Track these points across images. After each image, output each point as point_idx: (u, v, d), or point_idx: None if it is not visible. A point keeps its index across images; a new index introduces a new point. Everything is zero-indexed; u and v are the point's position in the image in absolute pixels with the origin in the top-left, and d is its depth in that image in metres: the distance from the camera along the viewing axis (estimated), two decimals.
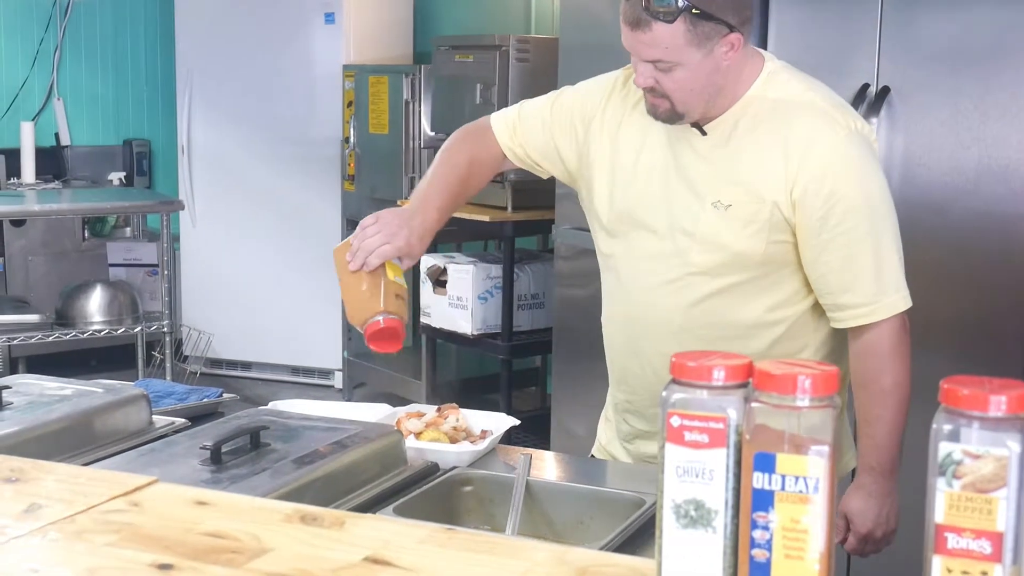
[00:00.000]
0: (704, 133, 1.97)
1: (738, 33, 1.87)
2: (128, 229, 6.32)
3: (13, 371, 5.40)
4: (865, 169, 1.92)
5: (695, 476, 1.06)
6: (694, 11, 1.82)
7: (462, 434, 2.04)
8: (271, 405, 2.16)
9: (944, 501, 0.98)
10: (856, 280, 1.92)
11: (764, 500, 1.03)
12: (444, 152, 2.16)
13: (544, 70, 4.57)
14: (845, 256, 1.90)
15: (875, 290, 1.92)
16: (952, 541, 0.98)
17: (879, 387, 1.95)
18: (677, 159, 1.99)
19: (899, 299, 1.93)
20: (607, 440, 2.25)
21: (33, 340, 4.98)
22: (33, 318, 5.02)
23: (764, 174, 1.91)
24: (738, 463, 1.05)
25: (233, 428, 1.79)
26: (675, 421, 1.06)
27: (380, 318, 1.91)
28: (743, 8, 1.89)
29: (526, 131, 2.15)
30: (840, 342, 2.01)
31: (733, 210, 1.92)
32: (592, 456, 2.27)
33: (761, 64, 1.99)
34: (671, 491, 1.07)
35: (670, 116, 1.93)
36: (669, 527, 1.07)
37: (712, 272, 1.96)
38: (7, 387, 1.99)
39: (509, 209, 4.65)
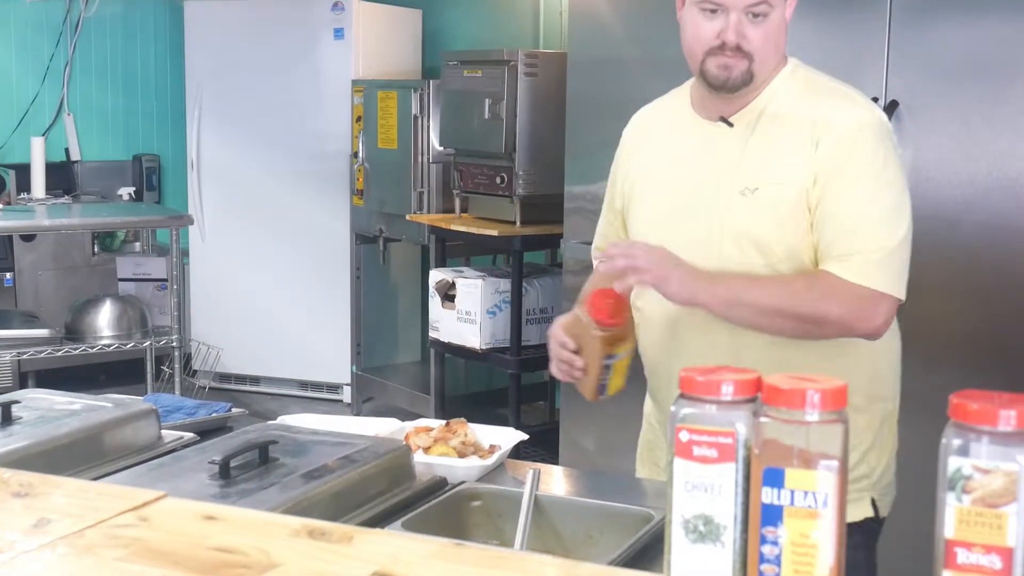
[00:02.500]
0: (731, 125, 1.99)
1: None
2: (137, 244, 6.34)
3: (23, 386, 5.41)
4: (882, 142, 1.93)
5: (704, 491, 1.06)
6: None
7: (471, 449, 2.04)
8: (280, 420, 2.16)
9: (954, 516, 0.98)
10: (853, 229, 1.89)
11: (773, 515, 1.03)
12: None
13: (553, 85, 4.57)
14: (850, 199, 1.90)
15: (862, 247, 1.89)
16: (962, 556, 0.98)
17: (819, 288, 1.89)
18: (707, 156, 2.01)
19: (883, 278, 1.88)
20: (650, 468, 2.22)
21: (42, 355, 4.98)
22: (42, 333, 5.03)
23: (790, 157, 1.93)
24: (747, 478, 1.05)
25: (242, 443, 1.79)
26: (684, 436, 1.07)
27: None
28: None
29: (610, 233, 2.24)
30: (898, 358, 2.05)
31: (760, 194, 1.93)
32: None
33: (786, 58, 2.04)
34: (680, 506, 1.08)
35: (744, 77, 1.94)
36: (678, 542, 1.08)
37: (745, 264, 1.95)
38: (16, 402, 1.99)
39: (518, 223, 4.65)
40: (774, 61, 1.97)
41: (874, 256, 1.88)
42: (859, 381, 1.85)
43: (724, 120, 2.00)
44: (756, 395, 1.07)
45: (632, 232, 2.14)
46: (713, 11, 1.93)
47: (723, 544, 1.06)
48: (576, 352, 2.02)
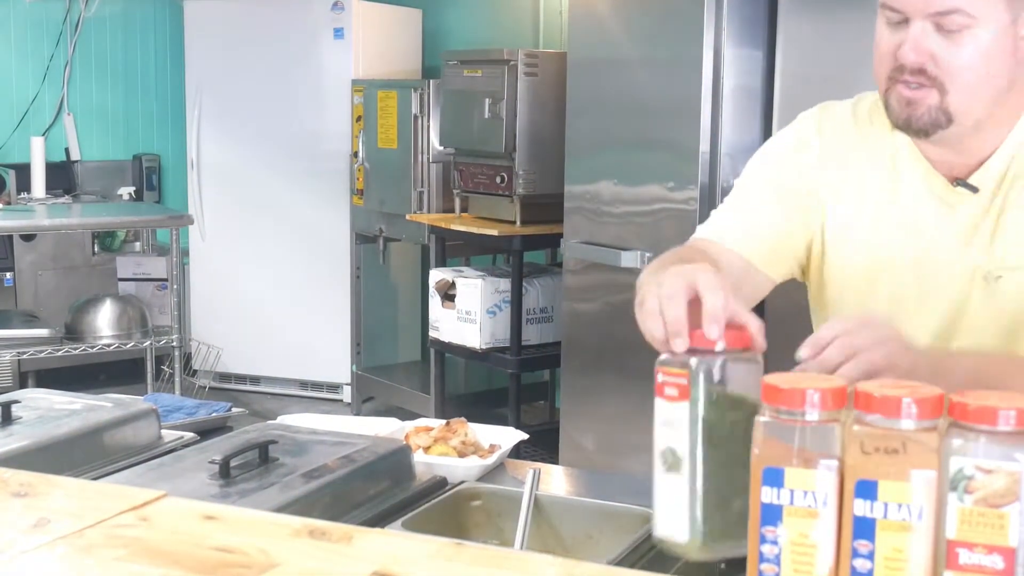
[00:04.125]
0: (975, 190, 1.52)
1: None
2: (138, 243, 6.34)
3: (22, 385, 5.40)
4: None
5: (669, 426, 1.19)
6: None
7: (470, 448, 2.04)
8: (280, 419, 2.16)
9: (956, 516, 0.98)
10: None
11: (773, 515, 1.02)
12: None
13: (553, 84, 4.58)
14: None
15: None
16: (964, 556, 0.98)
17: None
18: (945, 224, 1.55)
19: None
20: None
21: (42, 354, 4.98)
22: (42, 332, 5.04)
23: None
24: (704, 418, 1.16)
25: (242, 442, 1.79)
26: (659, 377, 1.21)
27: None
28: None
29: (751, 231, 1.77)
30: None
31: (1003, 283, 1.51)
32: None
33: None
34: (656, 440, 1.20)
35: (935, 117, 1.45)
36: (657, 472, 1.21)
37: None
38: (16, 401, 1.99)
39: (518, 223, 4.65)
40: (988, 97, 1.44)
41: None
42: None
43: (965, 184, 1.52)
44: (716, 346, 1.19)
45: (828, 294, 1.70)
46: (899, 22, 1.45)
47: (682, 475, 1.17)
48: None
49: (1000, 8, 1.39)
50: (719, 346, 1.19)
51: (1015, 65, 1.43)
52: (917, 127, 1.47)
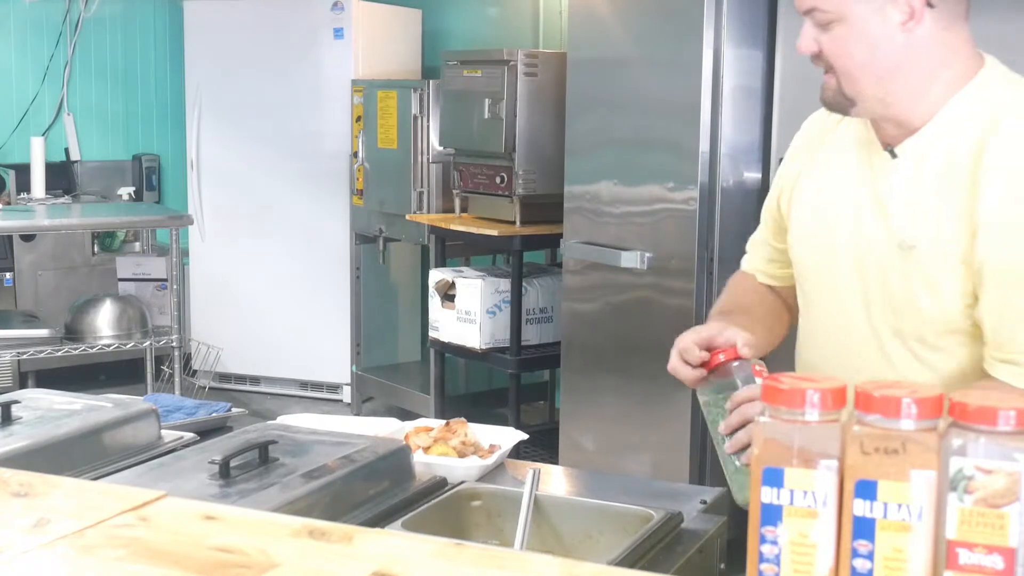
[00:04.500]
0: (894, 156, 1.66)
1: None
2: (137, 244, 6.34)
3: (22, 386, 5.41)
4: None
5: None
6: None
7: (470, 448, 2.04)
8: (280, 420, 2.16)
9: (956, 516, 0.98)
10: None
11: (772, 515, 1.02)
12: None
13: (552, 85, 4.58)
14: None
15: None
16: (964, 557, 0.98)
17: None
18: (872, 191, 1.69)
19: None
20: None
21: (42, 355, 4.98)
22: (42, 333, 5.03)
23: (952, 210, 1.58)
24: None
25: (242, 443, 1.79)
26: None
27: None
28: None
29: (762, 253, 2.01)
30: None
31: (917, 253, 1.62)
32: None
33: (977, 69, 1.64)
34: None
35: (837, 98, 1.65)
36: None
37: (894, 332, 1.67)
38: (16, 402, 1.99)
39: (517, 223, 4.65)
40: (873, 79, 1.61)
41: None
42: None
43: (890, 151, 1.66)
44: None
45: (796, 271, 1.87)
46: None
47: None
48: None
49: (845, 1, 1.57)
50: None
51: (902, 47, 1.59)
52: (830, 107, 1.68)
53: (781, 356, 1.93)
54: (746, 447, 1.60)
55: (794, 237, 1.83)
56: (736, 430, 1.64)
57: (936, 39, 1.60)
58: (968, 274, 1.57)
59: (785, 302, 1.95)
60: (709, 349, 1.71)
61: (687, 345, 1.72)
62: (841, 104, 1.66)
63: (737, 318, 1.81)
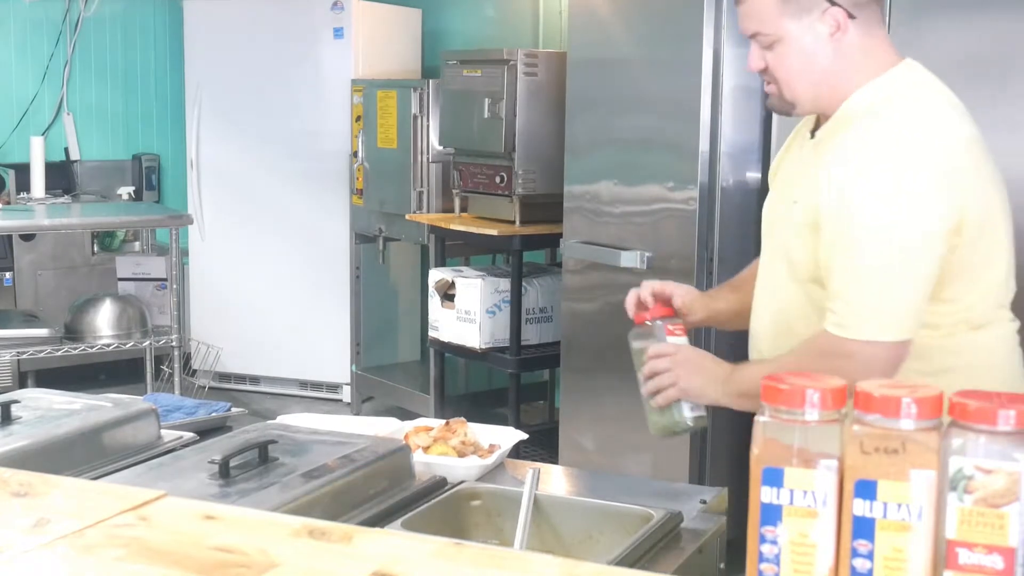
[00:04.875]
0: (812, 137, 1.93)
1: (842, 10, 1.82)
2: (137, 243, 6.34)
3: (22, 385, 5.41)
4: (901, 164, 1.76)
5: None
6: None
7: (470, 448, 2.04)
8: (279, 419, 2.16)
9: (956, 516, 0.98)
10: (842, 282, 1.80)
11: (772, 514, 1.02)
12: None
13: (552, 84, 4.58)
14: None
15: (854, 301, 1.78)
16: (964, 556, 0.98)
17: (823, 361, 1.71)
18: (793, 166, 1.99)
19: (877, 327, 1.76)
20: None
21: (42, 354, 4.98)
22: (42, 332, 5.03)
23: (815, 180, 1.86)
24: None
25: (241, 442, 1.79)
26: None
27: None
28: None
29: None
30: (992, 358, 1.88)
31: (797, 208, 1.89)
32: None
33: (888, 66, 1.89)
34: None
35: (780, 103, 1.92)
36: None
37: (791, 277, 1.93)
38: (16, 401, 1.99)
39: (517, 223, 4.65)
40: (809, 85, 1.87)
41: (855, 304, 1.78)
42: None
43: (812, 135, 1.94)
44: None
45: None
46: None
47: None
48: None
49: (786, 24, 1.83)
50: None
51: (834, 60, 1.85)
52: (775, 110, 1.97)
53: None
54: (656, 392, 2.00)
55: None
56: (649, 379, 2.01)
57: (858, 45, 1.85)
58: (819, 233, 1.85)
59: None
60: (661, 298, 2.11)
61: (643, 291, 2.11)
62: (784, 107, 1.93)
63: (723, 289, 2.25)
